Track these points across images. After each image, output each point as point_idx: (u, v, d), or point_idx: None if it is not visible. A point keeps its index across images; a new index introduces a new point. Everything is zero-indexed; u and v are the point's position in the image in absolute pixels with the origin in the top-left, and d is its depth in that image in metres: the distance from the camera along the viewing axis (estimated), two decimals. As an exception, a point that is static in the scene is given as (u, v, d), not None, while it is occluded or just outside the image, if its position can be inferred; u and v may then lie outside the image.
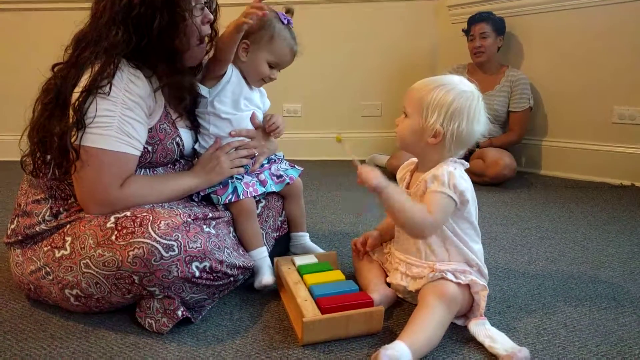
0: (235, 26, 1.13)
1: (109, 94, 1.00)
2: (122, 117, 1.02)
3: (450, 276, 1.00)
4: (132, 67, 1.05)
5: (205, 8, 1.13)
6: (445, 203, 1.01)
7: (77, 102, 0.99)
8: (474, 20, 2.56)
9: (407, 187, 1.13)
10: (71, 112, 1.00)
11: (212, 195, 1.23)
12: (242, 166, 1.24)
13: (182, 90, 1.15)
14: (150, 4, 1.02)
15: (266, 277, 1.17)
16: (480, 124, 1.05)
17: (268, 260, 1.22)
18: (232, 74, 1.23)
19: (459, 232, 1.06)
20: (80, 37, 1.06)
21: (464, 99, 1.02)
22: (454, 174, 1.01)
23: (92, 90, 0.99)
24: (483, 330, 0.97)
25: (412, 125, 1.06)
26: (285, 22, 1.24)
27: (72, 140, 0.99)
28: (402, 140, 1.10)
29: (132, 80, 1.04)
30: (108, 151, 1.01)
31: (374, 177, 0.99)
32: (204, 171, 1.19)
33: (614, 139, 2.41)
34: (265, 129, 1.30)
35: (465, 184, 1.03)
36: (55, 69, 1.08)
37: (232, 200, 1.21)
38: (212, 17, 1.14)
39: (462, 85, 1.05)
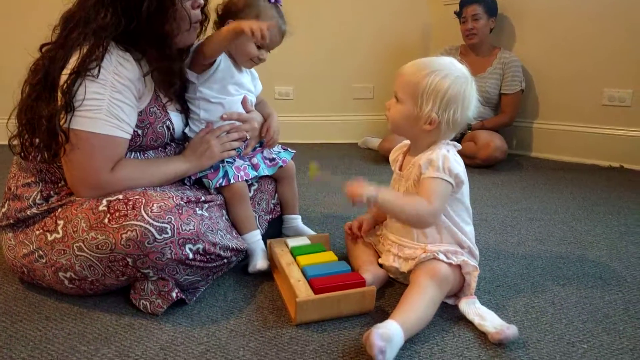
0: (235, 31, 1.10)
1: (97, 76, 0.99)
2: (112, 100, 1.01)
3: (442, 257, 1.01)
4: (121, 50, 1.04)
5: None
6: (443, 188, 1.02)
7: (65, 85, 0.97)
8: (465, 2, 2.54)
9: (400, 169, 1.14)
10: (59, 94, 0.99)
11: (203, 180, 1.23)
12: (233, 149, 1.24)
13: (171, 75, 1.13)
14: None
15: (260, 262, 1.18)
16: (472, 109, 1.05)
17: (261, 243, 1.23)
18: (221, 60, 1.22)
19: (452, 214, 1.07)
20: (67, 17, 1.04)
21: (459, 85, 1.02)
22: (448, 157, 1.02)
23: (80, 73, 0.97)
24: (473, 308, 0.99)
25: (406, 111, 1.05)
26: (272, 0, 1.22)
27: (61, 123, 0.98)
28: (395, 125, 1.10)
29: (121, 63, 1.02)
30: (98, 134, 1.00)
31: (363, 189, 0.99)
32: (194, 155, 1.19)
33: (603, 121, 2.43)
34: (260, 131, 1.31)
35: (459, 167, 1.04)
36: (43, 50, 1.06)
37: (223, 184, 1.21)
38: (202, 1, 1.12)
39: (455, 70, 1.03)
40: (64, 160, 1.02)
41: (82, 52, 0.99)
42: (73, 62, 0.99)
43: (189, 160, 1.18)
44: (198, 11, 1.12)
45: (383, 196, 1.00)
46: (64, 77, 0.99)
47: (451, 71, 1.03)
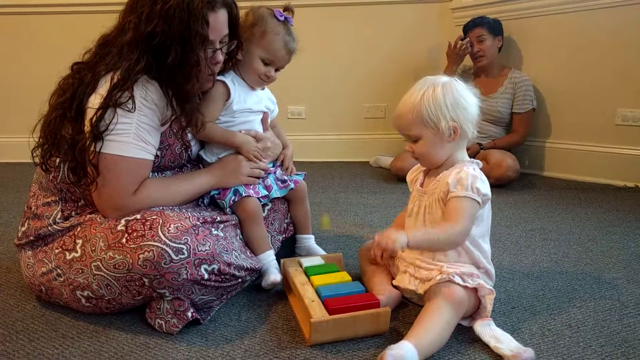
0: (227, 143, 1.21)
1: (133, 109, 1.01)
2: (139, 123, 1.04)
3: (457, 279, 1.00)
4: (148, 76, 1.07)
5: (218, 52, 1.12)
6: (471, 208, 1.03)
7: (98, 113, 0.99)
8: (468, 26, 2.58)
9: (421, 186, 1.15)
10: (87, 123, 1.01)
11: (217, 201, 1.24)
12: (256, 178, 1.26)
13: (186, 113, 1.15)
14: (169, 36, 1.02)
15: (273, 275, 1.18)
16: (472, 97, 1.08)
17: (275, 263, 1.24)
18: (236, 93, 1.24)
19: (474, 231, 1.07)
20: (103, 43, 1.08)
21: (447, 87, 1.06)
22: (477, 177, 1.04)
23: (111, 105, 1.00)
24: (488, 330, 0.98)
25: (429, 140, 1.07)
26: (282, 19, 1.23)
27: (91, 149, 1.00)
28: (428, 157, 1.11)
29: (147, 87, 1.05)
30: (126, 158, 1.03)
31: (393, 241, 0.95)
32: (221, 171, 1.21)
33: (617, 140, 2.42)
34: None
35: (486, 187, 1.06)
36: (74, 68, 1.09)
37: (235, 200, 1.22)
38: (221, 59, 1.14)
39: (432, 80, 1.08)
40: (93, 184, 1.04)
41: (113, 81, 1.01)
42: (103, 90, 1.01)
43: (214, 174, 1.20)
44: (217, 65, 1.15)
45: (414, 239, 0.98)
46: (91, 111, 1.00)
47: (432, 83, 1.07)
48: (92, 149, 1.00)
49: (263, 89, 1.35)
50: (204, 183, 1.19)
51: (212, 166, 1.23)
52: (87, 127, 1.01)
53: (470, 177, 1.03)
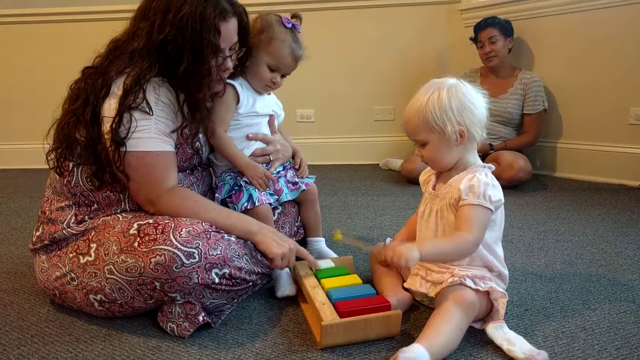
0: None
1: (151, 113, 1.03)
2: (157, 118, 1.06)
3: (469, 282, 1.00)
4: (158, 76, 1.08)
5: (228, 59, 1.13)
6: (483, 216, 1.02)
7: (116, 120, 1.01)
8: (480, 27, 2.56)
9: (433, 189, 1.14)
10: (108, 130, 1.02)
11: (229, 204, 1.25)
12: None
13: (197, 120, 1.16)
14: (181, 44, 1.04)
15: (290, 288, 1.18)
16: (480, 98, 1.07)
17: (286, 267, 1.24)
18: (244, 96, 1.26)
19: (488, 235, 1.06)
20: (113, 47, 1.10)
21: (454, 91, 1.04)
22: (489, 184, 1.03)
23: (127, 110, 1.02)
24: (501, 333, 0.97)
25: (437, 144, 1.06)
26: (289, 25, 1.24)
27: (117, 156, 1.02)
28: (437, 161, 1.10)
29: (159, 85, 1.07)
30: (151, 152, 1.05)
31: (405, 255, 0.95)
32: (261, 227, 1.13)
33: (631, 140, 2.38)
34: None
35: (498, 193, 1.04)
36: (84, 72, 1.10)
37: (248, 207, 1.22)
38: (230, 66, 1.16)
39: (439, 83, 1.06)
40: (129, 185, 1.07)
41: (125, 85, 1.02)
42: (117, 96, 1.02)
43: (257, 224, 1.13)
44: (226, 72, 1.16)
45: (426, 252, 0.98)
46: (108, 120, 1.02)
47: (438, 87, 1.06)
48: (117, 155, 1.02)
49: (269, 94, 1.36)
50: (238, 222, 1.11)
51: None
52: (107, 136, 1.03)
53: (482, 184, 1.02)
